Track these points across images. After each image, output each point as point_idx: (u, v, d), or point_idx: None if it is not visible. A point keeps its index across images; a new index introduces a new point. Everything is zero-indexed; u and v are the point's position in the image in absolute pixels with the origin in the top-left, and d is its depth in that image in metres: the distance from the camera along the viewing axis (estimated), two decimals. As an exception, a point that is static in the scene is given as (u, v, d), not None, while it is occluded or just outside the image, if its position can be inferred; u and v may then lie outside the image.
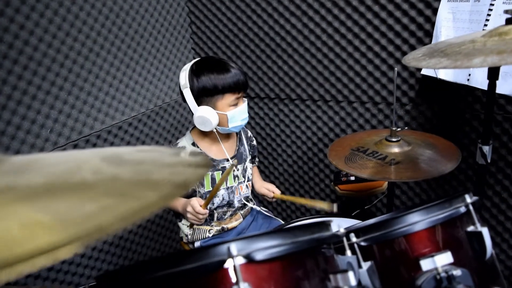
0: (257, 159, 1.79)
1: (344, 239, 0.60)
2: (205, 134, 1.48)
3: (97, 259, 1.75)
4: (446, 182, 1.72)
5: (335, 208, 1.34)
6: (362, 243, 0.62)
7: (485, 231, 0.62)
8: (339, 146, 1.35)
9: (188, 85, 1.36)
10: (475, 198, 0.68)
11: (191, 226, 1.46)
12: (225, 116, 1.38)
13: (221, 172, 1.49)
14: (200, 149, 1.47)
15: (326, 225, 0.58)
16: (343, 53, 1.78)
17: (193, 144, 1.47)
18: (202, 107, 1.37)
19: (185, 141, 1.48)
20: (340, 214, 1.41)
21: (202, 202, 1.35)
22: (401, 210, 0.89)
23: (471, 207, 0.64)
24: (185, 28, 2.11)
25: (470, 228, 0.64)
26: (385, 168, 1.18)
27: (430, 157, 1.22)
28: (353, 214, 1.49)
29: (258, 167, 1.79)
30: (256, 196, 1.95)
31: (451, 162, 1.18)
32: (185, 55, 2.12)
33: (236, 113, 1.40)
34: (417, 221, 0.63)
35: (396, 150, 1.27)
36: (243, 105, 1.43)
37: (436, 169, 1.14)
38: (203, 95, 1.37)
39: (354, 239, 0.62)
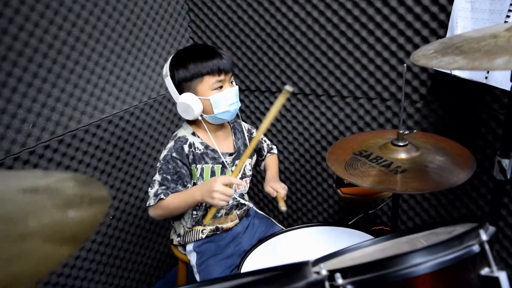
0: (273, 146, 1.66)
1: (327, 283, 0.49)
2: (200, 125, 1.38)
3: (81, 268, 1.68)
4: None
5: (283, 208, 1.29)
6: (350, 287, 0.51)
7: (503, 277, 0.50)
8: (340, 149, 1.23)
9: (169, 74, 1.31)
10: (491, 230, 0.56)
11: (195, 224, 1.38)
12: (208, 101, 1.29)
13: (220, 166, 1.39)
14: (201, 139, 1.37)
15: (301, 269, 0.47)
16: (349, 45, 1.64)
17: (193, 134, 1.37)
18: (183, 94, 1.29)
19: (183, 131, 1.38)
20: (339, 222, 1.29)
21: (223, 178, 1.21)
22: (403, 232, 0.78)
23: (486, 246, 0.53)
24: (183, 16, 1.98)
25: (485, 272, 0.52)
26: (389, 177, 1.06)
27: (441, 166, 1.09)
28: (354, 220, 1.38)
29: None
30: (253, 197, 1.85)
31: (464, 172, 1.06)
32: (182, 45, 2.00)
33: (221, 97, 1.29)
34: (420, 262, 0.51)
35: (403, 156, 1.14)
36: (230, 89, 1.32)
37: (446, 180, 1.01)
38: (183, 81, 1.30)
39: (340, 280, 0.51)
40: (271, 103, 1.94)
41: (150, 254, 1.99)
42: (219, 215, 1.43)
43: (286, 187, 1.43)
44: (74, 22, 1.51)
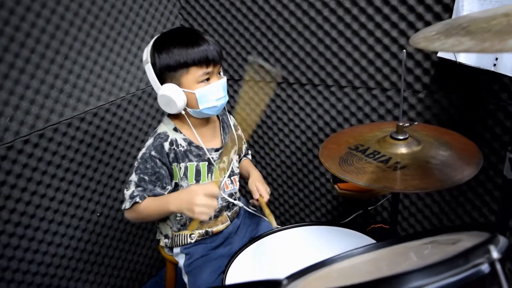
0: (249, 151, 1.59)
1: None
2: (183, 120, 1.25)
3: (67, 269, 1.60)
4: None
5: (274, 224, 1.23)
6: (333, 315, 0.43)
7: (516, 302, 0.42)
8: (334, 143, 1.14)
9: (149, 60, 1.17)
10: (503, 244, 0.47)
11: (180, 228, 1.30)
12: (193, 95, 1.17)
13: (207, 163, 1.28)
14: (184, 135, 1.26)
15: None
16: (347, 31, 1.54)
17: (175, 129, 1.26)
18: (165, 85, 1.17)
19: (164, 127, 1.26)
20: (333, 221, 1.21)
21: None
22: (401, 239, 0.69)
23: (498, 266, 0.44)
24: (173, 2, 1.88)
25: (495, 295, 0.43)
26: (388, 174, 0.97)
27: (444, 161, 1.00)
28: (348, 219, 1.29)
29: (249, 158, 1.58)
30: (245, 195, 1.76)
31: (469, 168, 0.96)
32: (172, 33, 1.90)
33: (207, 91, 1.17)
34: (418, 286, 0.42)
35: (402, 150, 1.05)
36: (217, 82, 1.20)
37: (450, 178, 0.92)
38: (165, 71, 1.17)
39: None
40: (266, 93, 1.84)
41: (141, 252, 1.92)
42: (208, 218, 1.33)
43: (269, 191, 1.36)
44: (54, 9, 1.42)
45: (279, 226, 1.25)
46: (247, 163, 1.52)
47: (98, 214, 1.67)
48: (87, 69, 1.55)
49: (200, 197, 1.06)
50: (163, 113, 1.89)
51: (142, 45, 1.76)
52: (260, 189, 1.35)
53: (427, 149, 1.05)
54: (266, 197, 1.33)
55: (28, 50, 1.36)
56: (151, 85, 1.75)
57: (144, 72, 1.76)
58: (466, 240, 0.56)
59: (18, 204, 1.39)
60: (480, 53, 0.77)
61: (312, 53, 1.64)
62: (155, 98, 1.84)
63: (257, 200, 1.34)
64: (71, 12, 1.47)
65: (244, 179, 1.50)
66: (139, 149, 1.78)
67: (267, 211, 1.27)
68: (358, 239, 1.14)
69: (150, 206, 1.18)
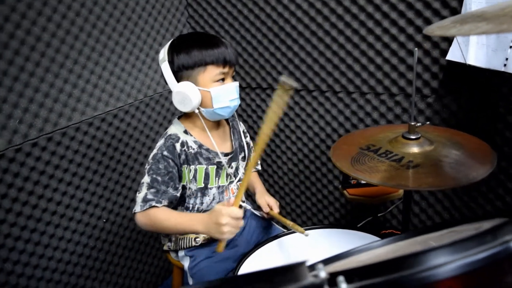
0: (258, 162, 1.57)
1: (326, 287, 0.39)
2: (194, 122, 1.27)
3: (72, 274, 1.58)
4: (475, 188, 1.48)
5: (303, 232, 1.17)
6: (357, 294, 0.41)
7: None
8: (345, 144, 1.14)
9: (167, 59, 1.19)
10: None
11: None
12: (208, 94, 1.18)
13: (215, 167, 1.28)
14: (194, 137, 1.26)
15: (294, 271, 0.38)
16: (355, 37, 1.55)
17: (185, 132, 1.26)
18: (182, 82, 1.18)
19: (174, 129, 1.26)
20: (346, 224, 1.19)
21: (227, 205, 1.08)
22: (421, 231, 0.67)
23: (527, 243, 0.43)
24: (181, 11, 1.90)
25: (525, 274, 0.42)
26: (401, 172, 0.96)
27: (458, 160, 0.99)
28: (361, 224, 1.27)
29: (258, 170, 1.56)
30: (247, 198, 1.74)
31: (484, 166, 0.95)
32: (180, 41, 1.92)
33: (222, 91, 1.19)
34: (443, 263, 0.41)
35: (415, 149, 1.04)
36: (232, 84, 1.22)
37: (465, 175, 0.91)
38: (183, 69, 1.18)
39: (343, 285, 0.41)
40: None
41: (147, 260, 1.89)
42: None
43: (278, 203, 1.37)
44: (65, 14, 1.43)
45: (307, 232, 1.20)
46: (254, 177, 1.52)
47: (104, 221, 1.66)
48: (96, 74, 1.56)
49: (226, 218, 1.03)
50: (170, 121, 1.90)
51: (150, 52, 1.77)
52: (270, 202, 1.35)
53: (440, 148, 1.04)
54: (276, 210, 1.34)
55: (38, 54, 1.37)
56: (159, 93, 1.77)
57: (152, 79, 1.79)
58: (489, 226, 0.54)
59: (25, 207, 1.38)
60: (498, 33, 0.77)
61: (319, 59, 1.65)
62: (163, 105, 1.85)
63: (267, 213, 1.34)
64: (82, 18, 1.49)
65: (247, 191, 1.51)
66: (145, 156, 1.79)
67: (288, 222, 1.23)
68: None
69: (171, 219, 1.16)
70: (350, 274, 0.43)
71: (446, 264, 0.42)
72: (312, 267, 0.44)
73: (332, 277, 0.41)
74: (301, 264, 0.40)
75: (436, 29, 0.66)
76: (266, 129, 0.94)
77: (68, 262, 1.55)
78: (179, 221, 1.16)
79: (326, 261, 0.62)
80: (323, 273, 0.40)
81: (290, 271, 0.39)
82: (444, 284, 0.42)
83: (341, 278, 0.42)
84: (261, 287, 0.35)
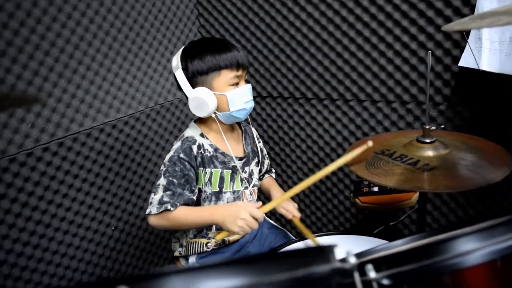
0: (273, 169, 1.56)
1: (356, 274, 0.38)
2: (210, 126, 1.29)
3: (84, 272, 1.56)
4: (489, 194, 1.45)
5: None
6: (385, 282, 0.39)
7: None
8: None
9: (180, 66, 1.20)
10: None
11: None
12: (224, 97, 1.20)
13: (230, 171, 1.27)
14: (210, 140, 1.27)
15: (325, 252, 0.36)
16: (366, 45, 1.55)
17: (202, 135, 1.27)
18: (197, 88, 1.20)
19: (191, 132, 1.28)
20: (359, 231, 1.17)
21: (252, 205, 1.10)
22: (442, 229, 0.66)
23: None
24: (192, 20, 1.93)
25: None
26: (417, 175, 0.94)
27: (474, 162, 0.97)
28: (375, 232, 1.25)
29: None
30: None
31: (501, 169, 0.93)
32: (191, 50, 1.94)
33: (237, 93, 1.21)
34: (473, 249, 0.39)
35: (430, 153, 1.03)
36: (246, 86, 1.25)
37: (482, 177, 0.89)
38: (198, 75, 1.20)
39: (372, 274, 0.40)
40: (284, 109, 1.84)
41: (158, 262, 1.87)
42: (243, 234, 1.29)
43: (296, 205, 1.34)
44: (79, 20, 1.46)
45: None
46: (270, 181, 1.49)
47: (113, 228, 1.64)
48: (108, 81, 1.57)
49: (245, 212, 1.07)
50: (180, 129, 1.90)
51: (162, 60, 1.78)
52: (290, 209, 1.31)
53: (455, 152, 1.02)
54: (297, 215, 1.30)
55: (52, 59, 1.39)
56: (170, 101, 1.77)
57: (163, 87, 1.80)
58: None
59: (35, 213, 1.37)
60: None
61: (330, 68, 1.65)
62: (173, 113, 1.86)
63: (290, 220, 1.31)
64: (95, 25, 1.51)
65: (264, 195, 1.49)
66: (155, 164, 1.79)
67: (309, 235, 1.19)
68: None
69: (188, 215, 1.17)
70: (378, 262, 0.41)
71: (476, 250, 0.41)
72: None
73: (361, 265, 0.40)
74: (330, 246, 0.39)
75: (455, 25, 0.66)
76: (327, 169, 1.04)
77: (76, 270, 1.53)
78: (196, 215, 1.18)
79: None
80: (352, 259, 0.39)
81: (322, 251, 0.37)
82: (472, 271, 0.40)
83: (369, 267, 0.40)
84: (297, 262, 0.34)
